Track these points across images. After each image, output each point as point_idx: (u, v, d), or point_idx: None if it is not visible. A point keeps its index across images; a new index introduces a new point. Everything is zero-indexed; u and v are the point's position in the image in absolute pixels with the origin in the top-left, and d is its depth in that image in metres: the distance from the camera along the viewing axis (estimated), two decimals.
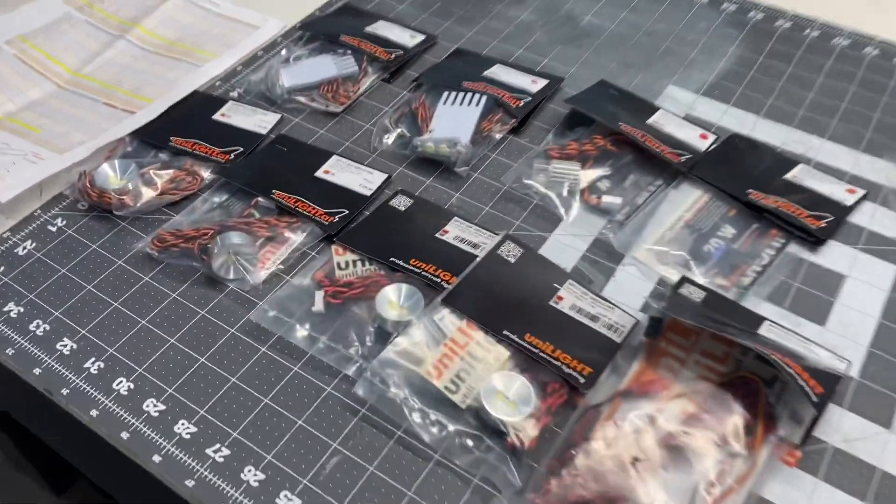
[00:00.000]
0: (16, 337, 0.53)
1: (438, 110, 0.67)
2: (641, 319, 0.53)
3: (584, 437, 0.46)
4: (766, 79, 0.73)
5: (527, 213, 0.61)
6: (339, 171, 0.63)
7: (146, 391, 0.50)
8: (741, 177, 0.63)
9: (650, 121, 0.67)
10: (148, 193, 0.60)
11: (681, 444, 0.45)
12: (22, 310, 0.55)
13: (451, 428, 0.47)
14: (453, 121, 0.66)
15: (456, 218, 0.59)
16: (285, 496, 0.46)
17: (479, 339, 0.51)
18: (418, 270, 0.55)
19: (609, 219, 0.60)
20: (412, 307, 0.53)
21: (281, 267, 0.57)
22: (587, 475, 0.44)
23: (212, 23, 0.79)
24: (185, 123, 0.67)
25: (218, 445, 0.48)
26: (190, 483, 0.46)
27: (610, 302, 0.54)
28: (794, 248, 0.58)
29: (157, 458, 0.47)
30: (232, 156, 0.64)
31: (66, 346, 0.53)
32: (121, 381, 0.51)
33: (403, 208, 0.61)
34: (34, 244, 0.59)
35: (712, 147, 0.65)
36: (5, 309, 0.55)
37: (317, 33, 0.76)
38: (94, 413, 0.49)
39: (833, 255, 0.58)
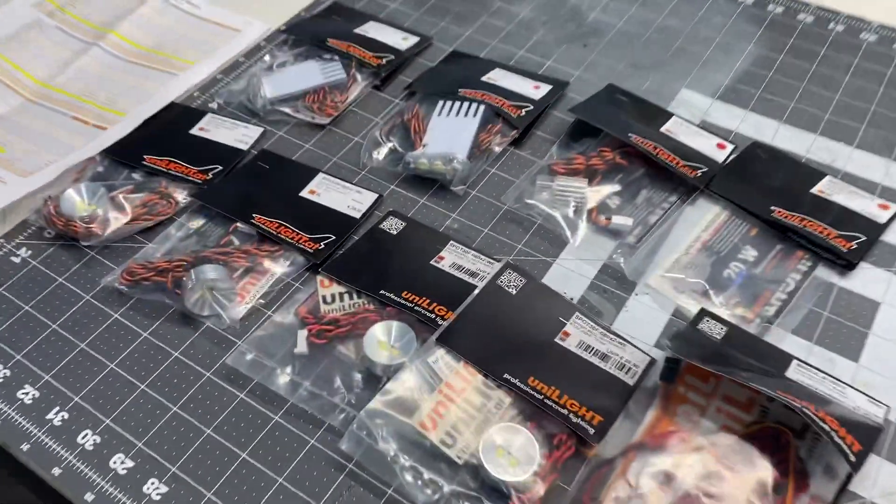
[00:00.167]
0: None
1: (433, 122, 0.62)
2: (657, 357, 0.48)
3: (593, 497, 0.42)
4: (788, 80, 0.68)
5: (529, 235, 0.56)
6: (326, 191, 0.58)
7: (113, 445, 0.46)
8: (762, 191, 0.58)
9: (663, 129, 0.62)
10: (118, 221, 0.56)
11: None
12: None
13: (447, 489, 0.43)
14: (449, 134, 0.61)
15: (452, 242, 0.55)
16: None
17: (477, 384, 0.46)
18: (411, 305, 0.50)
19: (619, 241, 0.55)
20: (404, 348, 0.48)
21: (262, 301, 0.52)
22: None
23: (191, 26, 0.74)
24: (161, 139, 0.62)
25: None
26: None
27: (621, 337, 0.49)
28: (823, 272, 0.53)
29: None
30: (210, 175, 0.59)
31: (27, 394, 0.48)
32: (86, 435, 0.46)
33: (395, 232, 0.56)
34: None
35: (730, 158, 0.60)
36: None
37: (302, 37, 0.71)
38: (55, 471, 0.45)
39: (865, 280, 0.53)
